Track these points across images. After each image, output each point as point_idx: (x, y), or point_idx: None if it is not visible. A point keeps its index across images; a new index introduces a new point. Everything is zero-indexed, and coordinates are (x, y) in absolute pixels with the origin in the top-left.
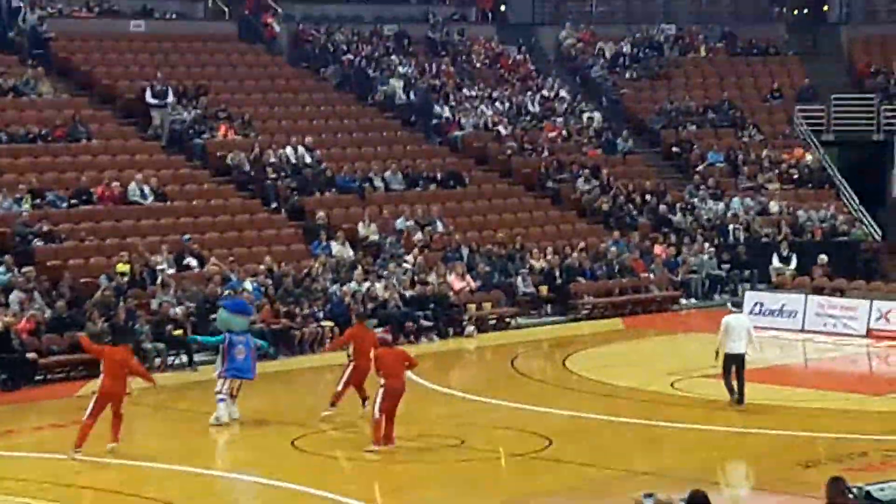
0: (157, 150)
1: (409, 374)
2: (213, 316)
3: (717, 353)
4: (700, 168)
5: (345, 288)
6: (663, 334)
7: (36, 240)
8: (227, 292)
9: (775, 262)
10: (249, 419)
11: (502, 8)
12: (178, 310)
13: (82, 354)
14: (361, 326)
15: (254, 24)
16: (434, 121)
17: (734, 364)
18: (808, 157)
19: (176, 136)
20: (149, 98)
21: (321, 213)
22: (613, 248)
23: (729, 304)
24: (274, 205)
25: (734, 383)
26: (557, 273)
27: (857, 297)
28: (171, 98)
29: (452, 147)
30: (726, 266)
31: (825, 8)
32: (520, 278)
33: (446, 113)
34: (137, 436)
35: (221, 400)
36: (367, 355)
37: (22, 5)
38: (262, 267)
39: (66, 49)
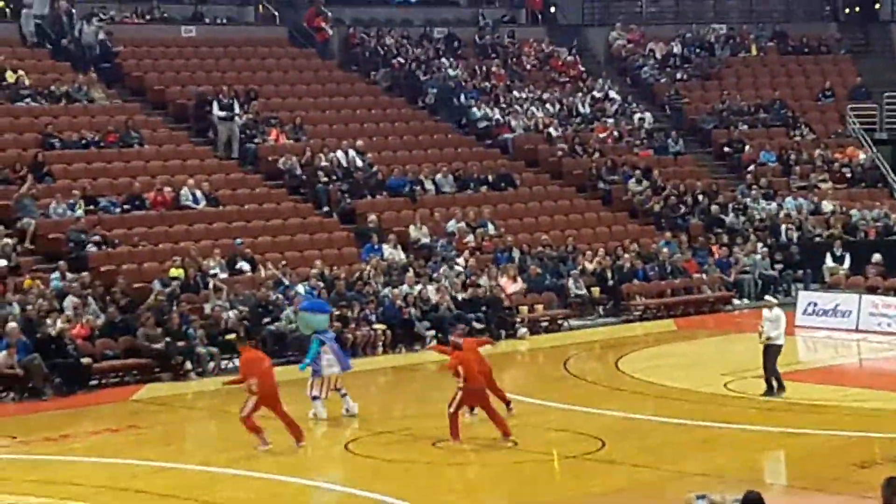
0: (209, 155)
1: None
2: (265, 320)
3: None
4: (752, 168)
5: (396, 291)
6: (716, 335)
7: (90, 245)
8: (293, 295)
9: (829, 261)
10: (302, 423)
11: (552, 9)
12: (231, 314)
13: (136, 359)
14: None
15: (304, 28)
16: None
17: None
18: (861, 156)
19: (228, 141)
20: (216, 111)
21: (373, 217)
22: (665, 249)
23: (772, 298)
24: (325, 208)
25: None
26: (609, 274)
27: None
28: (237, 110)
29: (503, 149)
30: (779, 266)
31: (877, 6)
32: (571, 280)
33: (497, 115)
34: (192, 440)
35: (315, 398)
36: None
37: (74, 13)
38: (314, 271)
39: (119, 56)
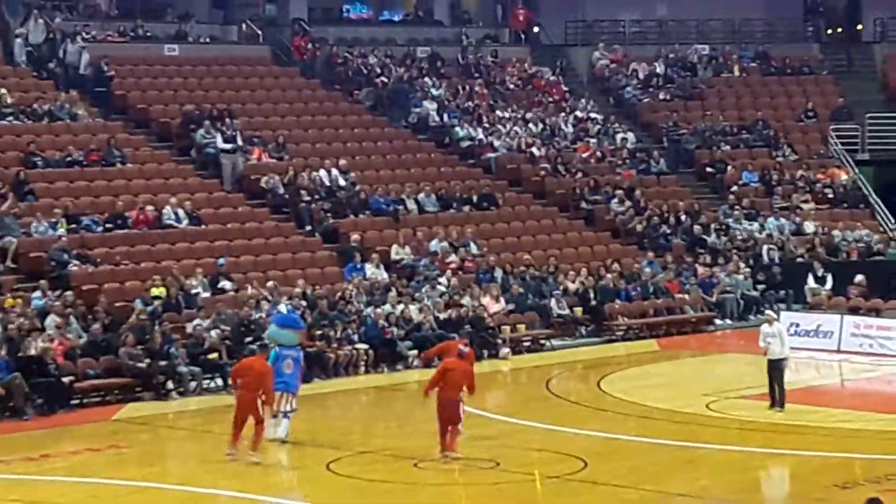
0: (191, 174)
1: None
2: (247, 339)
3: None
4: (734, 188)
5: (379, 310)
6: (698, 355)
7: (71, 264)
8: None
9: (811, 282)
10: (285, 442)
11: (535, 29)
12: (214, 333)
13: (118, 378)
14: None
15: (287, 47)
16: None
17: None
18: (843, 177)
19: (210, 159)
20: (220, 143)
21: (355, 236)
22: (648, 269)
23: (769, 313)
24: (308, 227)
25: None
26: (592, 294)
27: (893, 317)
28: (240, 142)
29: (486, 169)
30: (761, 286)
31: (859, 27)
32: (554, 300)
33: (480, 135)
34: (173, 460)
35: (273, 416)
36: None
37: (56, 35)
38: (296, 290)
39: (109, 77)
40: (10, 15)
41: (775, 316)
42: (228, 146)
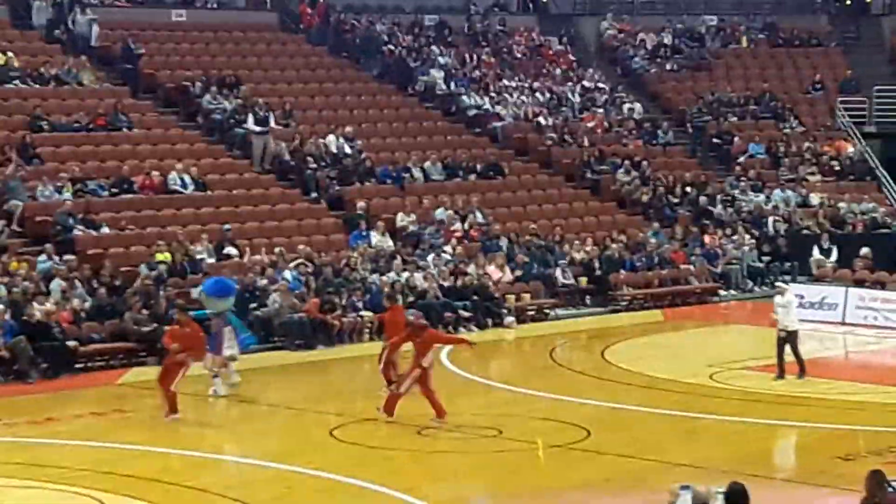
0: (197, 140)
1: (448, 365)
2: (252, 305)
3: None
4: (741, 160)
5: (384, 278)
6: (703, 326)
7: (77, 228)
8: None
9: (815, 254)
10: (289, 408)
11: None
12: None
13: (123, 342)
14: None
15: (295, 13)
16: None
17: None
18: (850, 149)
19: (216, 126)
20: (250, 125)
21: (361, 203)
22: (653, 240)
23: (781, 284)
24: (314, 195)
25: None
26: (597, 264)
27: None
28: (272, 124)
29: (492, 138)
30: (766, 258)
31: None
32: (559, 270)
33: (486, 103)
34: (177, 424)
35: (215, 376)
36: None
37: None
38: (297, 258)
39: (108, 38)
40: None
41: (786, 286)
42: (258, 128)
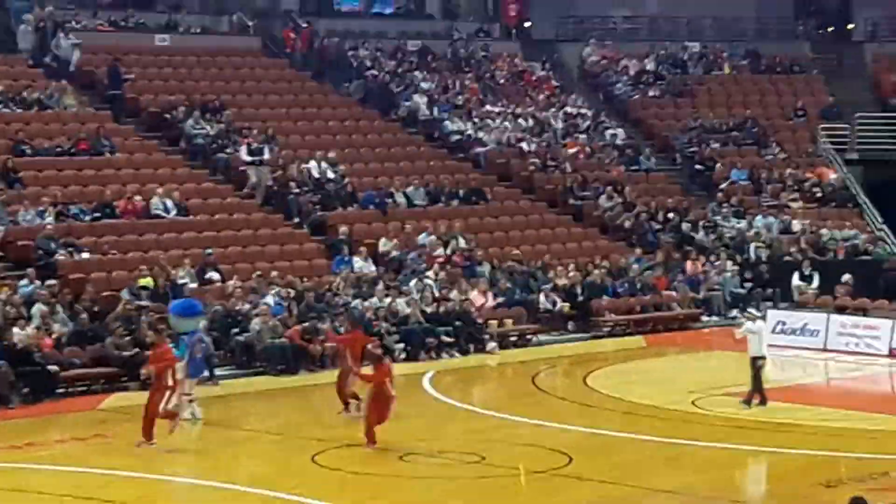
0: (179, 165)
1: (431, 390)
2: (234, 330)
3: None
4: (723, 186)
5: (366, 303)
6: (685, 352)
7: (59, 253)
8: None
9: (796, 280)
10: (271, 433)
11: (526, 24)
12: (201, 324)
13: (104, 367)
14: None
15: (278, 38)
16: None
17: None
18: (832, 176)
19: (199, 150)
20: (243, 155)
21: (343, 228)
22: (636, 266)
23: (752, 311)
24: (296, 220)
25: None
26: (579, 290)
27: (879, 316)
28: (267, 155)
29: (475, 163)
30: (748, 284)
31: (850, 26)
32: (542, 294)
33: (469, 129)
34: (158, 449)
35: (191, 400)
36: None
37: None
38: (283, 282)
39: (91, 63)
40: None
41: (757, 314)
42: (251, 158)
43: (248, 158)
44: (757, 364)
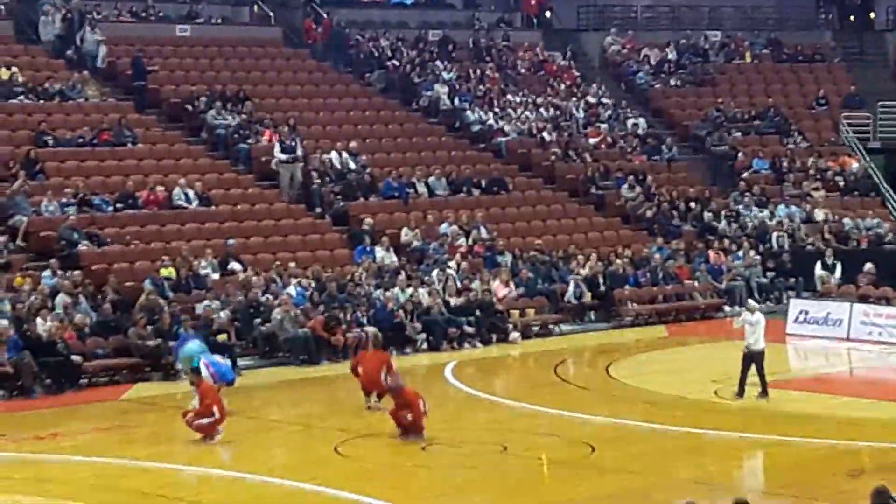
0: (201, 155)
1: (453, 380)
2: (257, 320)
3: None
4: (745, 175)
5: (388, 294)
6: (707, 342)
7: (81, 243)
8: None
9: (818, 269)
10: (293, 424)
11: (547, 14)
12: (223, 314)
13: (127, 358)
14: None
15: (299, 28)
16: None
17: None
18: (854, 165)
19: (220, 141)
20: (277, 153)
21: (368, 220)
22: (657, 255)
23: (752, 303)
24: (318, 210)
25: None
26: (601, 280)
27: None
28: (300, 152)
29: (496, 153)
30: (770, 274)
31: (872, 14)
32: (572, 283)
33: (490, 119)
34: (181, 440)
35: None
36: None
37: (73, 16)
38: (306, 272)
39: (112, 53)
40: None
41: (757, 306)
42: (285, 157)
43: (283, 157)
44: (755, 357)
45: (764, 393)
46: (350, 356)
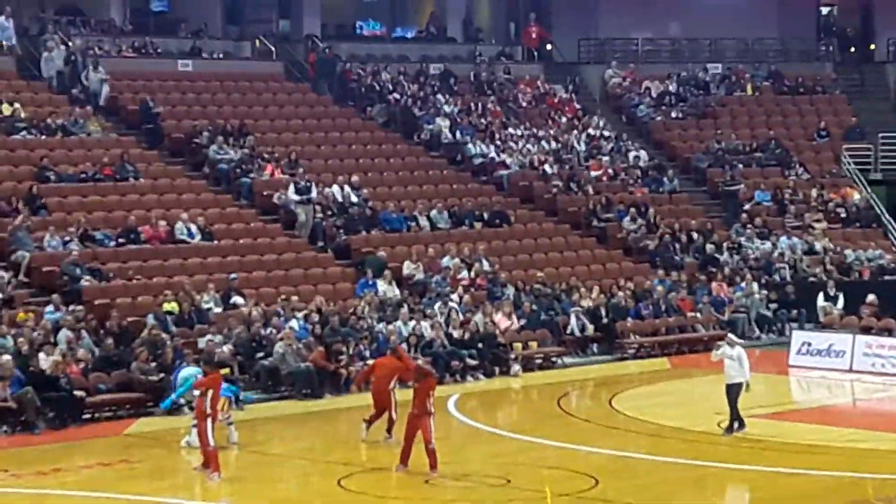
0: (203, 190)
1: (456, 413)
2: (259, 354)
3: (747, 385)
4: (747, 207)
5: (391, 327)
6: (709, 374)
7: (84, 278)
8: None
9: (821, 301)
10: (296, 457)
11: (548, 47)
12: (225, 348)
13: (130, 392)
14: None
15: (300, 63)
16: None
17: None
18: (856, 196)
19: (223, 175)
20: (291, 194)
21: (381, 254)
22: (660, 288)
23: (732, 337)
24: (320, 243)
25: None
26: (603, 312)
27: None
28: (314, 194)
29: (498, 186)
30: (773, 305)
31: (872, 46)
32: (573, 316)
33: (492, 152)
34: (184, 475)
35: (229, 423)
36: None
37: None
38: (308, 305)
39: (115, 88)
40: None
41: (737, 340)
42: (299, 197)
43: (297, 198)
44: (730, 390)
45: (730, 429)
46: (353, 388)
